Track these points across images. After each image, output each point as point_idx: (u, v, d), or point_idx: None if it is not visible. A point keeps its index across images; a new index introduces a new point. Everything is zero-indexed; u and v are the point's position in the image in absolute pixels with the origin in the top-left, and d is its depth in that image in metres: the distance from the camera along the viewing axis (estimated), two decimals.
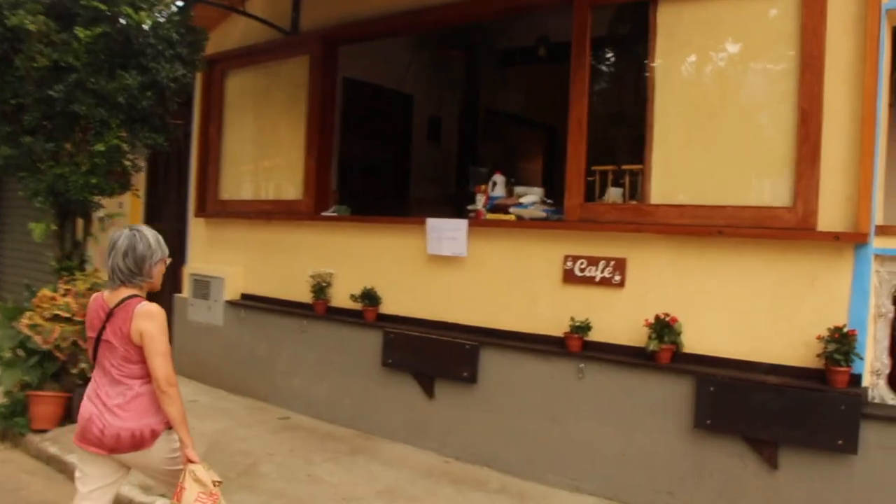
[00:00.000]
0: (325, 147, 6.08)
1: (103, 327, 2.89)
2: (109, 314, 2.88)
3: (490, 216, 5.00)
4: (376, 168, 7.69)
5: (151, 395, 2.87)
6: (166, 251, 3.02)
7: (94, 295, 3.02)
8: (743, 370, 3.94)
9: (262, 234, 6.40)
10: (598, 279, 4.46)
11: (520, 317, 4.77)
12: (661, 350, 4.09)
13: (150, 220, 8.01)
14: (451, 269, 5.10)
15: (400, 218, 5.52)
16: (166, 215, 7.90)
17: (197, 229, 7.08)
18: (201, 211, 6.95)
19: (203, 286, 6.71)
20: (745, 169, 4.07)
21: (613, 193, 4.63)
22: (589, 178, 4.61)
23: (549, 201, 5.01)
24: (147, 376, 2.87)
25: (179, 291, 7.13)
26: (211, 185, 6.92)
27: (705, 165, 4.20)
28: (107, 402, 2.86)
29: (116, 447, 2.84)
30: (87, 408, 2.91)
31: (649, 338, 4.15)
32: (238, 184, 6.82)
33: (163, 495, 3.79)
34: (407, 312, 5.32)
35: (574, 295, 4.56)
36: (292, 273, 6.03)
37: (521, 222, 4.81)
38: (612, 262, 4.41)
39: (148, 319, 2.83)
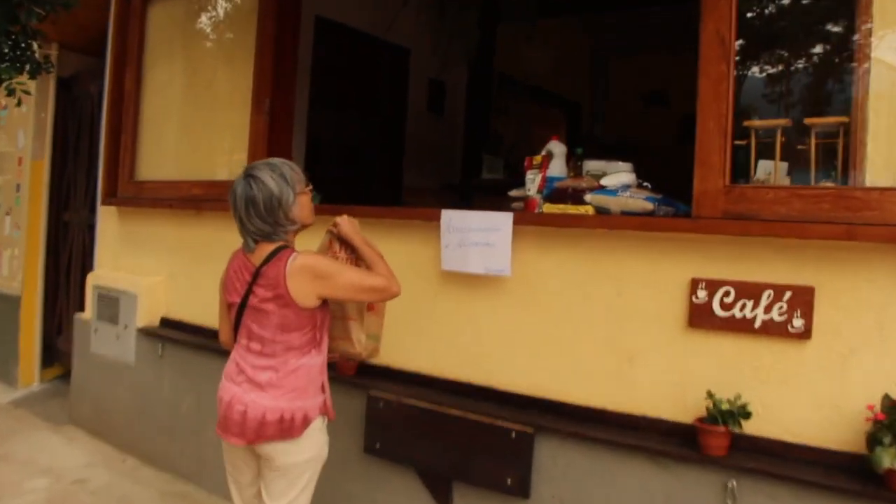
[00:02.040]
0: (283, 103, 4.02)
1: (249, 290, 2.36)
2: (256, 274, 2.34)
3: (549, 208, 2.96)
4: (359, 145, 5.66)
5: (309, 372, 2.39)
6: (298, 180, 2.43)
7: (233, 252, 2.49)
8: None
9: (191, 231, 4.33)
10: (758, 324, 2.45)
11: (605, 385, 2.76)
12: None
13: (56, 207, 5.94)
14: (482, 295, 3.08)
15: (398, 209, 3.47)
16: (75, 202, 5.82)
17: (106, 222, 4.99)
18: (111, 196, 4.85)
19: (110, 304, 4.65)
20: None
21: (771, 170, 2.62)
22: (737, 143, 2.58)
23: (646, 184, 2.99)
24: (306, 346, 2.37)
25: (82, 309, 5.07)
26: (125, 159, 4.83)
27: None
28: (253, 377, 2.34)
29: (259, 433, 2.30)
30: (226, 389, 2.39)
31: (876, 439, 2.16)
32: (161, 157, 4.74)
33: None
34: (408, 364, 3.28)
35: (710, 350, 2.56)
36: None
37: (608, 219, 2.78)
38: (788, 294, 2.40)
39: (310, 274, 2.31)
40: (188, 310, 4.32)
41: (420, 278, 3.24)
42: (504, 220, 2.92)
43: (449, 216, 3.09)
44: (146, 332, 4.41)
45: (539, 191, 3.00)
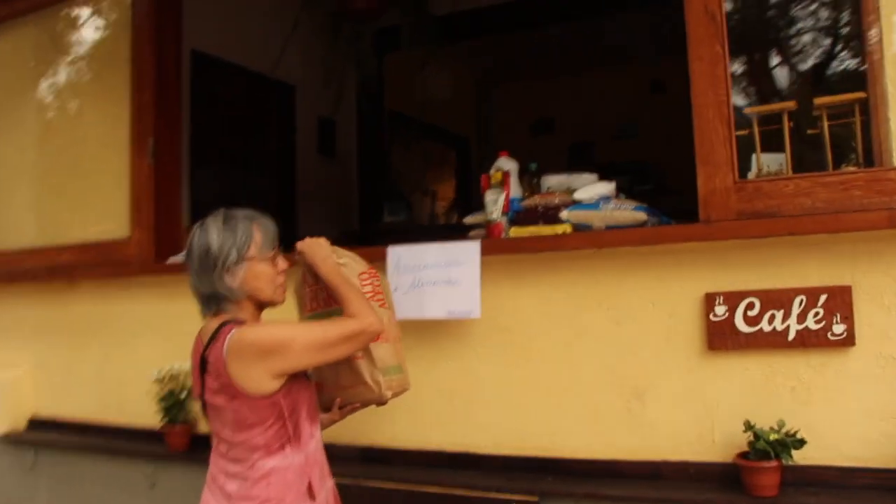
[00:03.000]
0: (169, 143, 3.42)
1: (203, 383, 1.81)
2: (203, 360, 1.79)
3: (518, 231, 2.54)
4: (245, 193, 5.04)
5: (285, 476, 1.81)
6: (257, 242, 1.86)
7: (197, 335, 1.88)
8: None
9: (63, 308, 3.56)
10: (792, 336, 2.12)
11: (614, 432, 2.34)
12: None
13: None
14: (447, 344, 2.58)
15: None
16: None
17: None
18: None
19: None
20: None
21: (775, 162, 2.33)
22: (737, 133, 2.27)
23: (622, 194, 2.62)
24: (273, 443, 1.80)
25: None
26: None
27: None
28: (223, 486, 1.83)
29: None
30: (203, 499, 1.88)
31: None
32: (16, 221, 3.94)
33: None
34: (358, 439, 2.70)
35: (736, 374, 2.20)
36: (122, 375, 3.30)
37: (597, 236, 2.39)
38: (823, 297, 2.09)
39: (254, 352, 1.74)
40: (66, 405, 3.53)
41: None
42: (469, 250, 2.45)
43: (398, 254, 2.59)
44: (10, 440, 3.56)
45: (504, 213, 2.57)
